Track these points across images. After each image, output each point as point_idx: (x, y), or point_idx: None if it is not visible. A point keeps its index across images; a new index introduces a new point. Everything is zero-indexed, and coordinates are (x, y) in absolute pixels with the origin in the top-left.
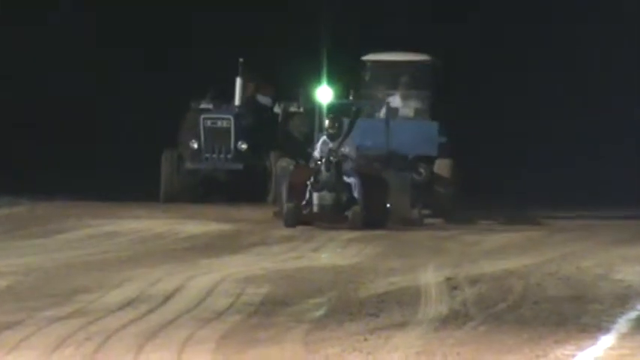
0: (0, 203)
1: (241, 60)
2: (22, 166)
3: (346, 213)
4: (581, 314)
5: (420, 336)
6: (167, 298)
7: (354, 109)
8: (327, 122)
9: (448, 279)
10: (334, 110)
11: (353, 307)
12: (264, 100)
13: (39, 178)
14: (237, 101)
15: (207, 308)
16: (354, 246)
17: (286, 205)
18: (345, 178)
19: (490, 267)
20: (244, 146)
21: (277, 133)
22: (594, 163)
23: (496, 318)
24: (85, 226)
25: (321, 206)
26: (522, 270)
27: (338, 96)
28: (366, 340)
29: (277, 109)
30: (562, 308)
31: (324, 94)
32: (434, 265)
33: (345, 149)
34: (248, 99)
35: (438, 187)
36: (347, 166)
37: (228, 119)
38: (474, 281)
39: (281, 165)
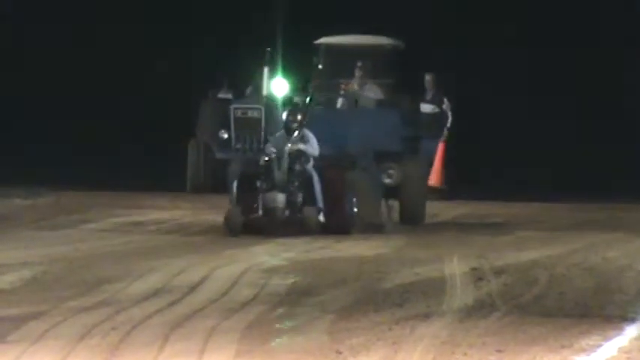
0: (24, 194)
1: (269, 49)
2: (45, 157)
3: (302, 216)
4: (606, 305)
5: (445, 326)
6: (192, 288)
7: (306, 98)
8: (285, 115)
9: (473, 269)
10: (292, 103)
11: (378, 298)
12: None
13: (63, 169)
14: (264, 91)
15: (231, 298)
16: (379, 237)
17: (231, 210)
18: (300, 177)
19: (515, 258)
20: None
21: None
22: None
23: (521, 308)
24: (109, 217)
25: (268, 209)
26: (547, 260)
27: (296, 88)
28: (390, 330)
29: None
30: (587, 299)
31: (279, 86)
32: (459, 255)
33: (302, 144)
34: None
35: (406, 190)
36: (304, 163)
37: (259, 109)
38: (499, 272)
39: (232, 167)
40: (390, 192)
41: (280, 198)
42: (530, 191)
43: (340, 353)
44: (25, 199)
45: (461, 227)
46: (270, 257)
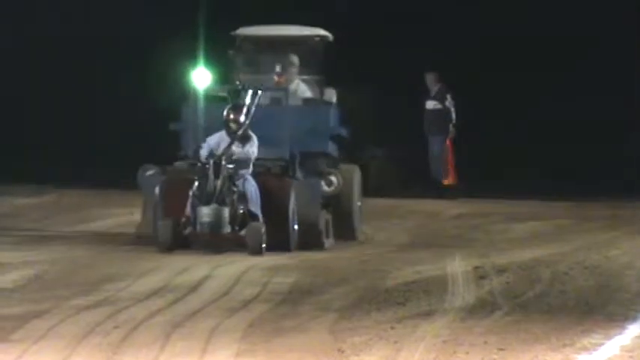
0: (26, 192)
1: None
2: (47, 155)
3: (242, 233)
4: (609, 303)
5: (447, 325)
6: (193, 287)
7: (250, 91)
8: (227, 113)
9: (475, 268)
10: (223, 98)
11: (380, 296)
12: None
13: (64, 167)
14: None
15: (233, 297)
16: (381, 235)
17: (160, 224)
18: (240, 187)
19: (517, 256)
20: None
21: None
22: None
23: (523, 307)
24: (110, 216)
25: (206, 224)
26: (550, 259)
27: (218, 80)
28: (392, 328)
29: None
30: (589, 297)
31: (201, 77)
32: (461, 254)
33: (246, 148)
34: None
35: (342, 200)
36: (243, 170)
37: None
38: (501, 270)
39: (147, 173)
40: (328, 201)
41: (223, 212)
42: (532, 189)
43: (342, 352)
44: (28, 198)
45: (463, 226)
46: (272, 256)
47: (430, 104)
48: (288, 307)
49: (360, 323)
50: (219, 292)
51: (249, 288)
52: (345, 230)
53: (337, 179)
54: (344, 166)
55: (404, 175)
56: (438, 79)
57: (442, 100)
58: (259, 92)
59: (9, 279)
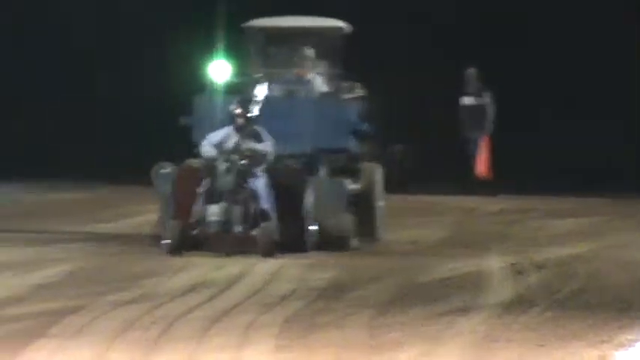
0: (65, 188)
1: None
2: (87, 150)
3: (254, 233)
4: None
5: (484, 321)
6: (230, 283)
7: (260, 84)
8: (234, 108)
9: (512, 264)
10: (238, 91)
11: (416, 293)
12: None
13: (101, 162)
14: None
15: (269, 293)
16: (417, 231)
17: (169, 223)
18: (252, 185)
19: (554, 252)
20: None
21: None
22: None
23: (560, 303)
24: (147, 211)
25: (216, 224)
26: (587, 255)
27: (238, 73)
28: (429, 325)
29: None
30: (626, 293)
31: (219, 70)
32: (498, 250)
33: (257, 143)
34: None
35: (364, 199)
36: (255, 167)
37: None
38: (538, 266)
39: (161, 171)
40: (349, 200)
41: (234, 211)
42: (569, 185)
43: (378, 348)
44: (68, 194)
45: (500, 222)
46: (309, 252)
47: (467, 100)
48: (324, 304)
49: (396, 319)
50: (256, 288)
51: (285, 284)
52: (367, 230)
53: (360, 177)
54: (366, 164)
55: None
56: (477, 76)
57: (480, 97)
58: (266, 84)
59: (46, 275)
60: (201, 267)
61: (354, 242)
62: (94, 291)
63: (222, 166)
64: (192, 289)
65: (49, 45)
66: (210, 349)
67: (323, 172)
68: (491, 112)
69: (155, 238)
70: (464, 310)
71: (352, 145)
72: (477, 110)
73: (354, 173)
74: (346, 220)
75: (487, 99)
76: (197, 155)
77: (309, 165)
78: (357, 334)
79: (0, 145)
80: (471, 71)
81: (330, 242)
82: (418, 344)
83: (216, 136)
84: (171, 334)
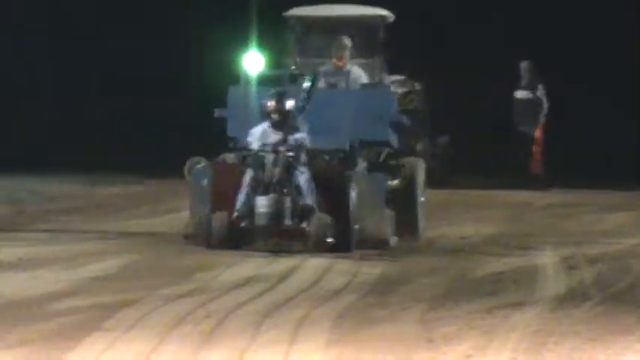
0: (112, 182)
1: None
2: (133, 144)
3: (304, 226)
4: None
5: (537, 315)
6: (283, 277)
7: (306, 76)
8: (268, 103)
9: (566, 258)
10: (273, 82)
11: (469, 286)
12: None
13: (149, 157)
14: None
15: (322, 287)
16: (466, 226)
17: (213, 218)
18: (296, 179)
19: (608, 247)
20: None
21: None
22: None
23: (614, 298)
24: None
25: (266, 215)
26: None
27: (272, 64)
28: (482, 319)
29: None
30: None
31: (253, 62)
32: (551, 244)
33: (301, 134)
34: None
35: (405, 196)
36: (299, 161)
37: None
38: (592, 261)
39: (195, 166)
40: (389, 196)
41: (284, 202)
42: (623, 180)
43: (432, 342)
44: (116, 187)
45: (553, 216)
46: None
47: (521, 94)
48: (377, 298)
49: (450, 313)
50: (308, 282)
51: (338, 278)
52: (407, 227)
53: (401, 172)
54: (407, 158)
55: (475, 165)
56: (530, 68)
57: (534, 90)
58: (318, 77)
59: (99, 268)
60: (254, 261)
61: (394, 240)
62: (146, 284)
63: (269, 157)
64: (245, 283)
65: (81, 40)
66: (262, 343)
67: (362, 166)
68: (545, 105)
69: (189, 237)
70: (517, 305)
71: (392, 138)
72: (531, 104)
73: (393, 168)
74: (386, 218)
75: (541, 92)
76: (232, 149)
77: (347, 160)
78: (411, 328)
79: (39, 137)
80: (525, 64)
81: (370, 241)
82: (472, 338)
83: (256, 132)
84: (223, 327)
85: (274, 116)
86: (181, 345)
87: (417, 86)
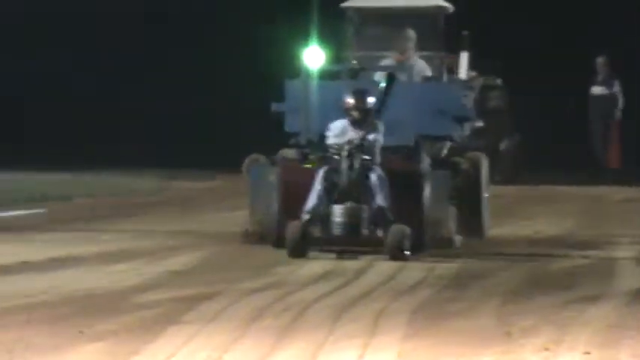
0: (195, 177)
1: (465, 33)
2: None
3: (379, 233)
4: None
5: (614, 309)
6: (360, 271)
7: (382, 77)
8: (348, 100)
9: None
10: (332, 77)
11: (545, 280)
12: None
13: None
14: (463, 76)
15: (399, 282)
16: (546, 220)
17: (289, 224)
18: (371, 182)
19: None
20: (480, 124)
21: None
22: None
23: None
24: None
25: (343, 225)
26: None
27: (332, 59)
28: (559, 312)
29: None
30: None
31: (314, 56)
32: (629, 237)
33: (376, 135)
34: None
35: (468, 193)
36: (375, 160)
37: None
38: None
39: (255, 164)
40: (453, 194)
41: (361, 212)
42: None
43: (509, 335)
44: (199, 182)
45: (629, 210)
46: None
47: (598, 90)
48: (453, 292)
49: (527, 307)
50: (385, 277)
51: (415, 272)
52: (471, 225)
53: (465, 169)
54: (471, 154)
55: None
56: (606, 64)
57: (610, 86)
58: (394, 79)
59: (180, 261)
60: (330, 256)
61: (458, 239)
62: (225, 278)
63: (345, 161)
64: (323, 277)
65: (125, 34)
66: (340, 336)
67: (426, 162)
68: (621, 101)
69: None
70: (593, 298)
71: (456, 133)
72: (607, 99)
73: (455, 164)
74: (450, 216)
75: (617, 87)
76: (291, 145)
77: (412, 155)
78: (487, 321)
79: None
80: (601, 60)
81: (433, 239)
82: (548, 331)
83: (336, 127)
84: (302, 321)
85: (354, 113)
86: (260, 338)
87: (499, 82)
